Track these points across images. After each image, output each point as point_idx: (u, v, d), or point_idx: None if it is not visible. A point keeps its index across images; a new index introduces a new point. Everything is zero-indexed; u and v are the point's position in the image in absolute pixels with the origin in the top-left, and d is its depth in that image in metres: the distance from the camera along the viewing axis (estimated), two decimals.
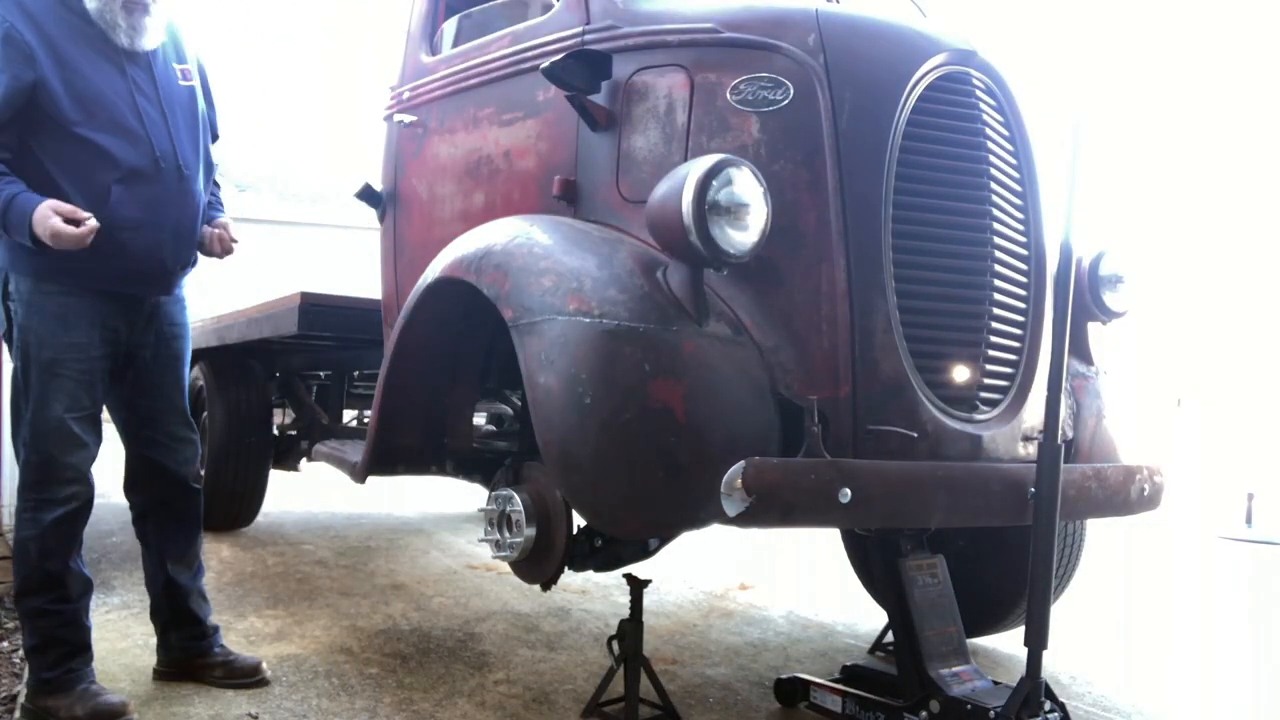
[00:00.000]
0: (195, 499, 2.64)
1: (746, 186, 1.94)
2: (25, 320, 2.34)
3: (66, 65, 2.29)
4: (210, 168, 2.62)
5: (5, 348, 2.43)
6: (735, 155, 2.00)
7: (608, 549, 2.26)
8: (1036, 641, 2.00)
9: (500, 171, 2.72)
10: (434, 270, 2.36)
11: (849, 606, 3.79)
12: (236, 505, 4.88)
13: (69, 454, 2.31)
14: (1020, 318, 2.34)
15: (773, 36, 2.18)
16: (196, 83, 2.59)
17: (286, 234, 12.10)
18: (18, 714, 2.37)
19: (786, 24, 2.19)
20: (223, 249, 2.63)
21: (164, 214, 2.43)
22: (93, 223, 2.20)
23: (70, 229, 2.17)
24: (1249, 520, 6.84)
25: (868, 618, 3.57)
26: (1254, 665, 3.40)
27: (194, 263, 2.60)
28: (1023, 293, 2.34)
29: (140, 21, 2.37)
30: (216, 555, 4.35)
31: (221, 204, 2.74)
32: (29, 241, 2.21)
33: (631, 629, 2.39)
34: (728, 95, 2.20)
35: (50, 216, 2.17)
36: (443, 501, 6.47)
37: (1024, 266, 2.35)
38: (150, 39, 2.41)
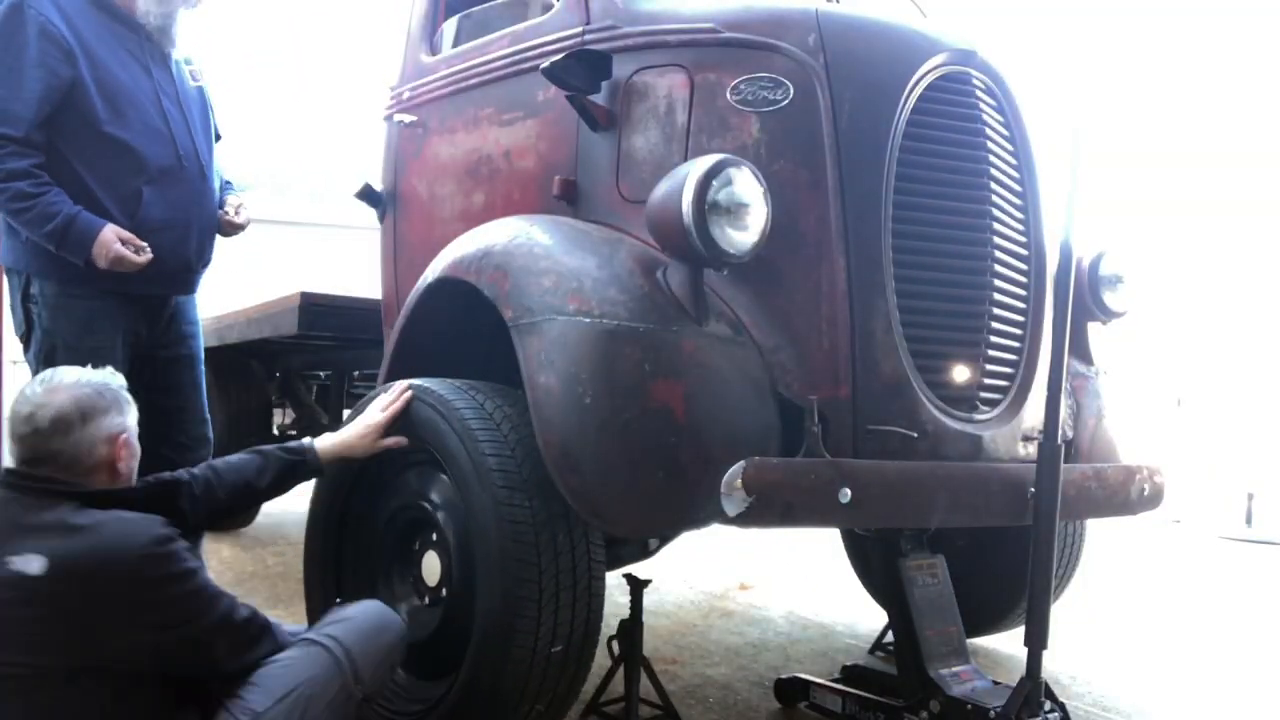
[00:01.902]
0: None
1: (747, 186, 1.94)
2: (50, 324, 2.33)
3: (98, 65, 2.29)
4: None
5: (23, 347, 2.44)
6: (735, 155, 2.01)
7: (608, 549, 2.26)
8: (1036, 641, 2.00)
9: (500, 171, 2.72)
10: (434, 270, 2.37)
11: (849, 606, 3.79)
12: (237, 514, 4.87)
13: None
14: (1020, 318, 2.34)
15: (773, 36, 2.18)
16: (205, 82, 2.60)
17: (286, 233, 12.09)
18: None
19: (786, 24, 2.19)
20: (233, 228, 2.64)
21: (189, 213, 2.45)
22: (149, 254, 2.24)
23: (134, 256, 2.20)
24: (1249, 520, 6.84)
25: (868, 618, 3.56)
26: (1254, 665, 3.40)
27: (211, 260, 2.62)
28: (1023, 293, 2.34)
29: (178, 25, 2.39)
30: (217, 555, 4.35)
31: (231, 184, 2.76)
32: (79, 261, 2.21)
33: (631, 629, 2.39)
34: (728, 95, 2.20)
35: (114, 243, 2.20)
36: None
37: (1024, 266, 2.35)
38: (181, 39, 2.43)
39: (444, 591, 2.19)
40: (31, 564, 1.45)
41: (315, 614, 2.40)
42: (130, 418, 1.71)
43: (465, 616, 2.04)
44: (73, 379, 1.67)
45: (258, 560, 4.35)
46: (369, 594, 2.22)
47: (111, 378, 1.73)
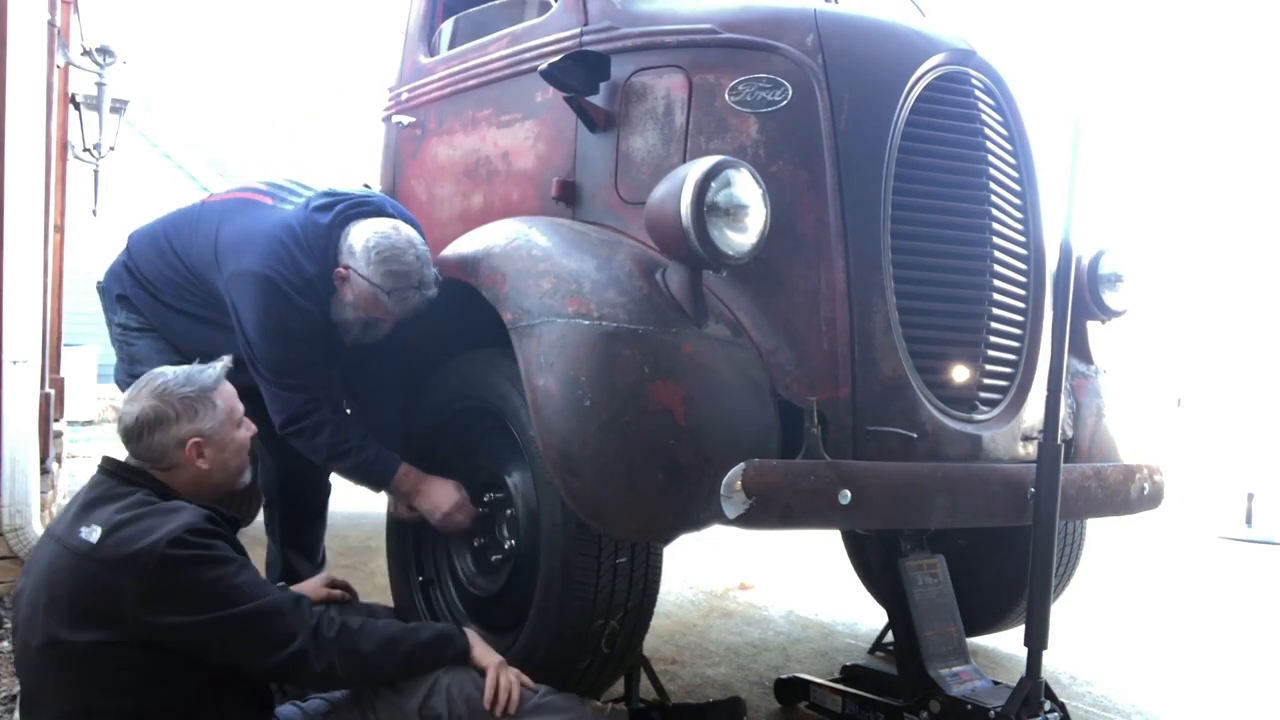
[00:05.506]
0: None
1: (745, 188, 1.94)
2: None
3: None
4: None
5: None
6: (734, 156, 2.00)
7: None
8: (1036, 641, 2.00)
9: (499, 173, 2.72)
10: None
11: (849, 606, 3.79)
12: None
13: None
14: (1020, 317, 2.33)
15: (771, 37, 2.18)
16: None
17: None
18: (17, 714, 2.36)
19: (785, 24, 2.19)
20: None
21: None
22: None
23: (465, 523, 2.34)
24: (1249, 520, 6.83)
25: (868, 618, 3.56)
26: (1254, 665, 3.40)
27: None
28: (1022, 292, 2.34)
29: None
30: None
31: None
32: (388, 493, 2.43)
33: None
34: (726, 96, 2.20)
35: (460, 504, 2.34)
36: None
37: (1024, 266, 2.35)
38: None
39: (511, 545, 2.29)
40: (94, 533, 1.58)
41: (396, 577, 2.59)
42: (204, 423, 1.76)
43: (531, 577, 2.13)
44: (155, 385, 1.77)
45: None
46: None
47: (185, 385, 1.78)
